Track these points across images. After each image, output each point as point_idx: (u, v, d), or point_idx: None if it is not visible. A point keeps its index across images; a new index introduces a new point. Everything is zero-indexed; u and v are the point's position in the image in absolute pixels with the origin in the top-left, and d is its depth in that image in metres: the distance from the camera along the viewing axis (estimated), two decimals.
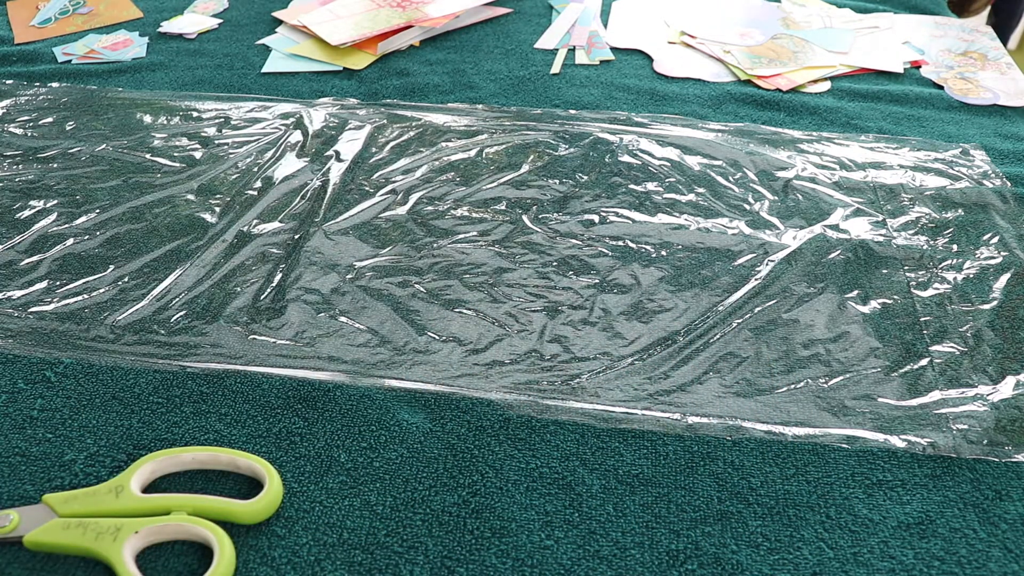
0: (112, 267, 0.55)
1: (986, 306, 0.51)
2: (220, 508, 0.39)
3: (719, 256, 0.55)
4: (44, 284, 0.53)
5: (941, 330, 0.49)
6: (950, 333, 0.49)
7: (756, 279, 0.53)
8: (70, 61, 0.82)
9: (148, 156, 0.66)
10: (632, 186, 0.61)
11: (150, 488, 0.41)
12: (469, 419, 0.45)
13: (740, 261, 0.54)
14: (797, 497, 0.41)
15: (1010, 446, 0.42)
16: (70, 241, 0.57)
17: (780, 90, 0.74)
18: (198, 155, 0.66)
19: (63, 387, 0.47)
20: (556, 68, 0.79)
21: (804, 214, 0.58)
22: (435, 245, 0.56)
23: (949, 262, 0.54)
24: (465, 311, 0.51)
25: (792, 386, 0.46)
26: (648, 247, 0.56)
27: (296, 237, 0.57)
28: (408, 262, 0.55)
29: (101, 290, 0.53)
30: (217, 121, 0.70)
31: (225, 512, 0.39)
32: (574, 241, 0.56)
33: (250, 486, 0.41)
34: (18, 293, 0.53)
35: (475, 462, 0.42)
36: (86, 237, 0.57)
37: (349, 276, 0.54)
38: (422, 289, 0.53)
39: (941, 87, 0.75)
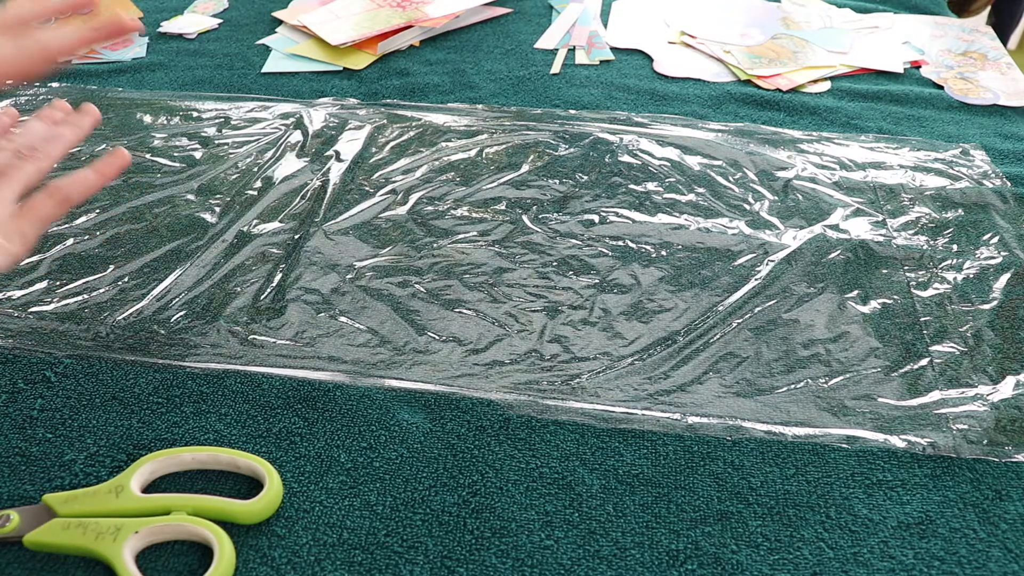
0: (112, 267, 0.55)
1: (986, 306, 0.51)
2: (220, 508, 0.39)
3: (719, 256, 0.55)
4: (44, 284, 0.53)
5: (941, 330, 0.49)
6: (950, 333, 0.49)
7: (756, 279, 0.53)
8: (70, 61, 0.82)
9: (148, 156, 0.66)
10: (632, 186, 0.61)
11: (150, 488, 0.41)
12: (469, 419, 0.45)
13: (740, 261, 0.54)
14: (797, 497, 0.41)
15: (1010, 446, 0.42)
16: (70, 241, 0.57)
17: (780, 90, 0.74)
18: (198, 155, 0.66)
19: (63, 387, 0.47)
20: (556, 68, 0.79)
21: (804, 214, 0.58)
22: (435, 245, 0.56)
23: (949, 262, 0.54)
24: (465, 311, 0.51)
25: (792, 386, 0.46)
26: (648, 247, 0.56)
27: (296, 237, 0.57)
28: (408, 262, 0.55)
29: (101, 290, 0.53)
30: (217, 121, 0.70)
31: (225, 512, 0.39)
32: (574, 241, 0.56)
33: (250, 486, 0.41)
34: (18, 293, 0.53)
35: (475, 462, 0.42)
36: (86, 237, 0.57)
37: (349, 276, 0.54)
38: (422, 289, 0.53)
39: (941, 87, 0.75)
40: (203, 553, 0.38)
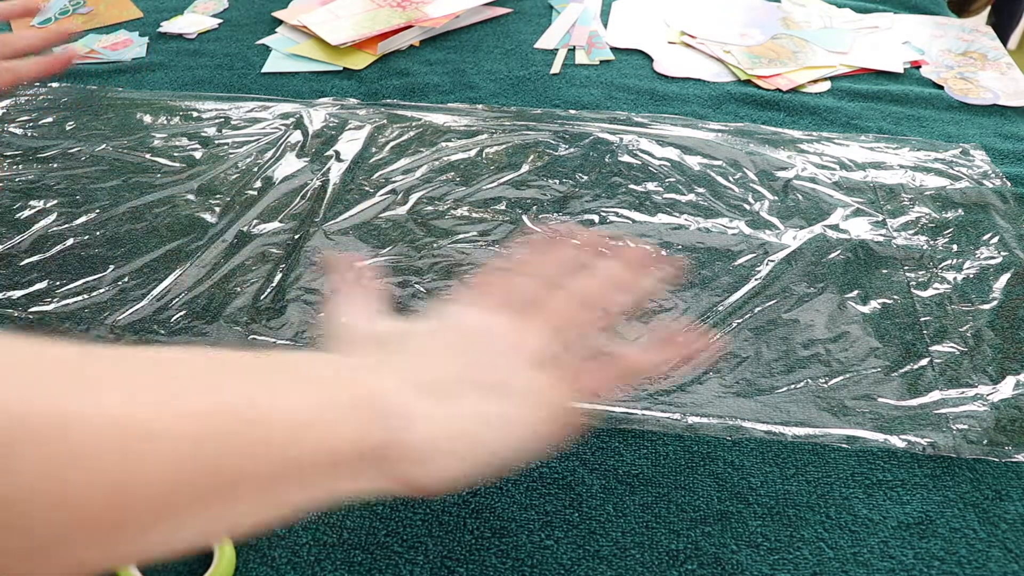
0: (112, 267, 0.55)
1: (986, 306, 0.51)
2: None
3: (719, 256, 0.55)
4: (44, 284, 0.53)
5: (941, 330, 0.49)
6: (950, 333, 0.49)
7: (756, 279, 0.53)
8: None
9: (148, 156, 0.66)
10: (632, 186, 0.61)
11: None
12: None
13: (740, 261, 0.54)
14: (797, 497, 0.41)
15: (1010, 446, 0.42)
16: (70, 241, 0.57)
17: (780, 90, 0.74)
18: (198, 155, 0.66)
19: None
20: (556, 68, 0.79)
21: (804, 214, 0.58)
22: (435, 245, 0.56)
23: (949, 262, 0.54)
24: None
25: (792, 386, 0.46)
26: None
27: (296, 237, 0.57)
28: (408, 262, 0.55)
29: (101, 290, 0.53)
30: (217, 121, 0.70)
31: None
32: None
33: None
34: (18, 293, 0.53)
35: None
36: (86, 237, 0.57)
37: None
38: (422, 289, 0.53)
39: (941, 87, 0.75)
40: (203, 553, 0.38)
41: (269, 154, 0.65)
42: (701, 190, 0.61)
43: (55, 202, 0.61)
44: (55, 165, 0.65)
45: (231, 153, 0.66)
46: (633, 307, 0.34)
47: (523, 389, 0.30)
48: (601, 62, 0.80)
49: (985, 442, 0.43)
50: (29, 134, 0.69)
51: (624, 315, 0.34)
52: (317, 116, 0.70)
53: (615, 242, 0.36)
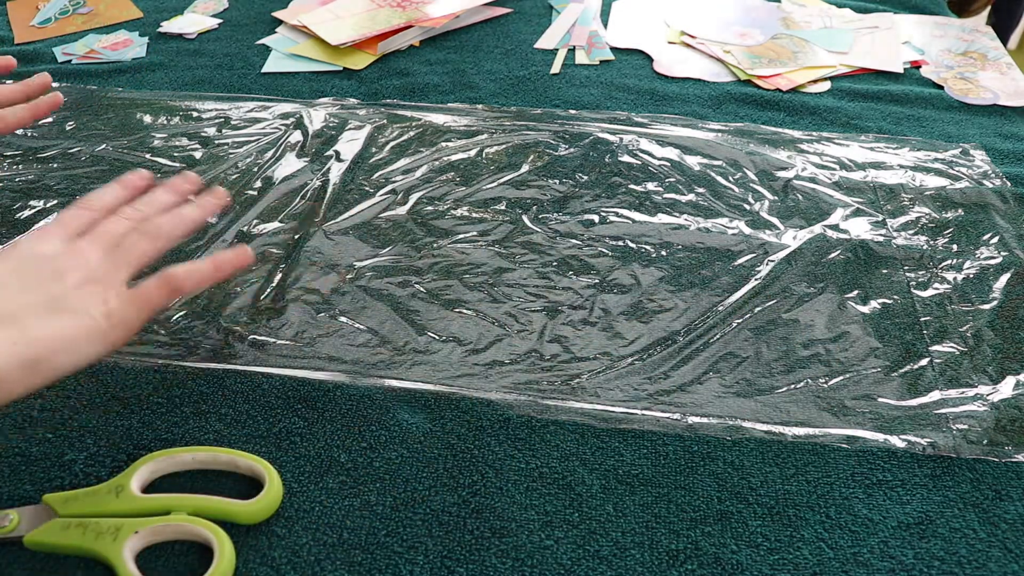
0: None
1: (986, 306, 0.51)
2: (220, 508, 0.39)
3: (719, 256, 0.55)
4: None
5: (941, 330, 0.49)
6: (950, 333, 0.49)
7: (756, 279, 0.53)
8: (70, 61, 0.82)
9: (148, 156, 0.66)
10: (632, 186, 0.61)
11: (150, 488, 0.41)
12: (469, 419, 0.45)
13: (740, 261, 0.54)
14: (797, 497, 0.41)
15: (1010, 446, 0.42)
16: None
17: (780, 90, 0.74)
18: (198, 155, 0.66)
19: (63, 387, 0.47)
20: (556, 68, 0.79)
21: (804, 214, 0.58)
22: (435, 245, 0.56)
23: (949, 262, 0.54)
24: (465, 311, 0.51)
25: (792, 386, 0.46)
26: (648, 247, 0.56)
27: (296, 237, 0.57)
28: (408, 262, 0.55)
29: None
30: (217, 121, 0.70)
31: (225, 512, 0.39)
32: (574, 241, 0.56)
33: (250, 486, 0.41)
34: None
35: (475, 462, 0.42)
36: None
37: (349, 276, 0.54)
38: (422, 289, 0.53)
39: (941, 87, 0.75)
40: (203, 553, 0.38)
41: (269, 154, 0.65)
42: (701, 190, 0.61)
43: (55, 202, 0.61)
44: (55, 165, 0.65)
45: (231, 153, 0.66)
46: (183, 236, 0.44)
47: (78, 304, 0.37)
48: (601, 62, 0.80)
49: (985, 442, 0.43)
50: (29, 134, 0.69)
51: (174, 237, 0.43)
52: (317, 116, 0.70)
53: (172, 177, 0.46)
